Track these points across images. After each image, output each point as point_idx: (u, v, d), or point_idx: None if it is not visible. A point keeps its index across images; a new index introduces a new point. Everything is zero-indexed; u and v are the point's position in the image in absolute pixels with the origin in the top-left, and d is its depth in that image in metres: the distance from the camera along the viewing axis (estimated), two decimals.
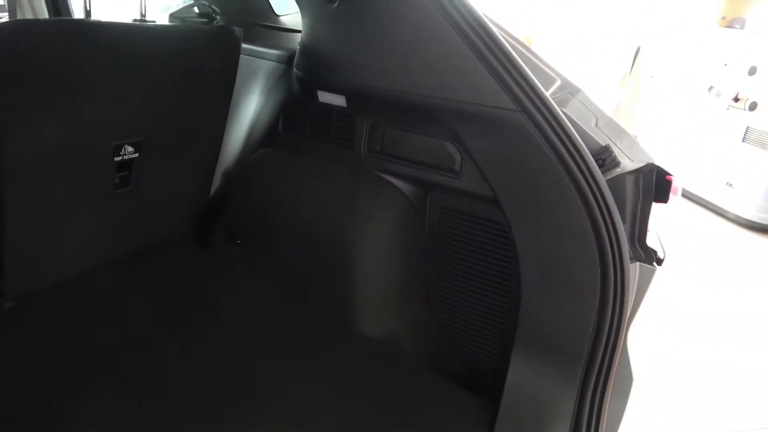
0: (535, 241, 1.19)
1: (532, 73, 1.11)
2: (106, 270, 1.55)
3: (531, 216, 1.19)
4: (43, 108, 1.27)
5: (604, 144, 1.14)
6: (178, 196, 1.74)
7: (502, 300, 1.34)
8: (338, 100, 1.47)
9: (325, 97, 1.49)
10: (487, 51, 1.10)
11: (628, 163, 1.15)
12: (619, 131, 1.25)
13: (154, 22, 1.53)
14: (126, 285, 1.53)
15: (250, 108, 1.76)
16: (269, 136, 1.68)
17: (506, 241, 1.30)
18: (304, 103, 1.56)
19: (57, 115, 1.30)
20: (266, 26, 2.04)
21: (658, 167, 1.12)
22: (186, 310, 1.47)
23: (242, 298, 1.56)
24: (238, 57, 1.67)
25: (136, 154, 1.52)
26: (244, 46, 1.72)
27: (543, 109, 1.08)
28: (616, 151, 1.15)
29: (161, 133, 1.56)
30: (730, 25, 4.86)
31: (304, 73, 1.49)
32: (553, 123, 1.08)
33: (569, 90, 1.23)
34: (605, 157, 1.12)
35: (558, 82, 1.23)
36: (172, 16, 1.72)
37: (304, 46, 1.52)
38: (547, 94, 1.11)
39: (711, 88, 4.50)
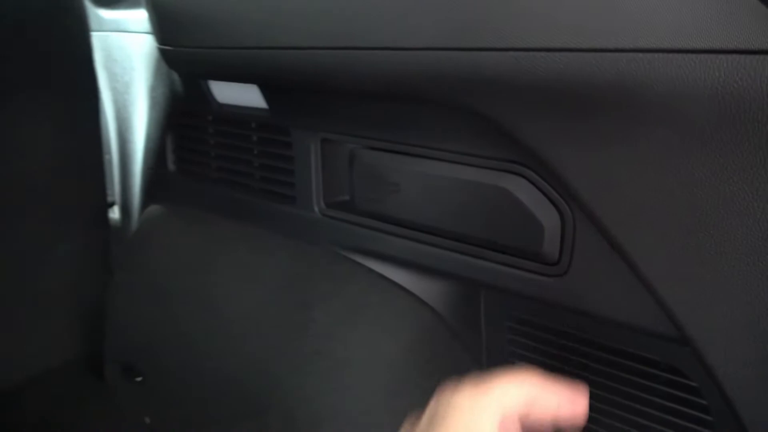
0: None
1: None
2: None
3: None
4: None
5: None
6: (33, 296, 0.97)
7: None
8: (251, 96, 0.64)
9: (226, 91, 0.67)
10: None
11: None
12: None
13: None
14: None
15: (138, 127, 0.96)
16: (161, 180, 0.88)
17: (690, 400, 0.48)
18: (199, 113, 0.75)
19: None
20: None
21: None
22: None
23: None
24: (86, 34, 0.87)
25: None
26: (100, 15, 0.93)
27: None
28: None
29: None
30: None
31: (167, 46, 0.66)
32: None
33: None
34: None
35: None
36: None
37: None
38: None
39: None
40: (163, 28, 0.64)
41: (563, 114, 0.39)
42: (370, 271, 0.62)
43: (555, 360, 0.60)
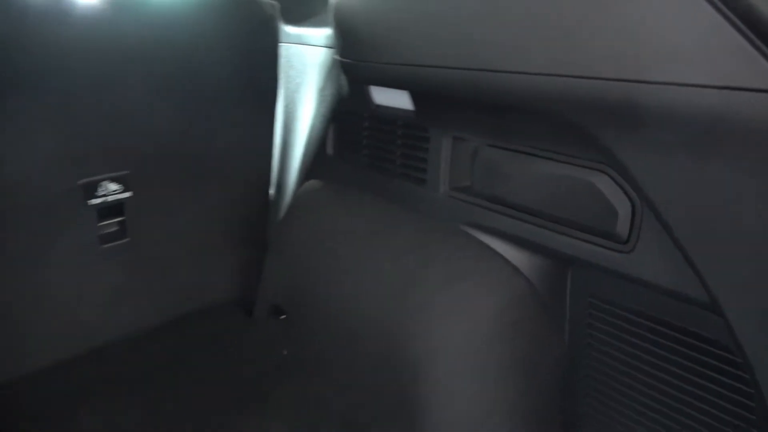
0: None
1: None
2: (111, 348, 1.11)
3: None
4: None
5: None
6: (210, 246, 1.25)
7: None
8: (401, 100, 0.84)
9: (382, 95, 0.88)
10: None
11: None
12: None
13: None
14: (121, 372, 1.07)
15: (302, 119, 1.21)
16: (319, 162, 1.11)
17: (735, 374, 0.60)
18: (357, 110, 0.96)
19: None
20: None
21: None
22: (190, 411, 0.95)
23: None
24: (276, 45, 1.13)
25: (127, 194, 1.05)
26: (287, 30, 1.18)
27: None
28: None
29: (166, 160, 1.08)
30: None
31: (346, 59, 0.89)
32: None
33: None
34: None
35: None
36: None
37: (346, 11, 0.91)
38: None
39: None
40: (345, 45, 0.86)
41: (636, 130, 0.53)
42: (480, 242, 0.79)
43: (627, 334, 0.73)
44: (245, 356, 1.18)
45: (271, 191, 1.38)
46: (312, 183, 1.09)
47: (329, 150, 1.04)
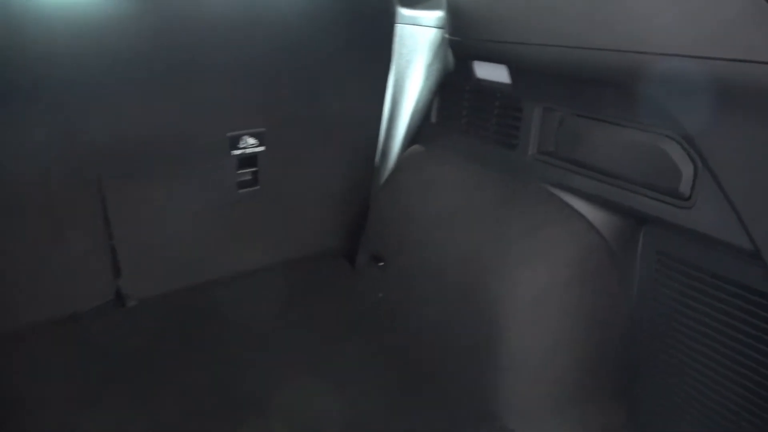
0: None
1: None
2: (233, 280, 1.34)
3: None
4: (129, 90, 1.07)
5: None
6: (321, 202, 1.44)
7: None
8: (499, 74, 0.97)
9: (483, 70, 1.00)
10: None
11: None
12: None
13: None
14: (243, 301, 1.29)
15: (409, 92, 1.36)
16: (424, 129, 1.25)
17: None
18: (460, 83, 1.10)
19: (154, 96, 1.10)
20: None
21: None
22: (297, 335, 1.15)
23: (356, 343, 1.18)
24: (392, 26, 1.28)
25: (261, 148, 1.25)
26: (402, 12, 1.33)
27: None
28: None
29: (292, 123, 1.27)
30: None
31: (455, 37, 1.02)
32: None
33: None
34: None
35: None
36: None
37: None
38: None
39: None
40: (454, 25, 1.00)
41: (701, 105, 0.63)
42: (560, 200, 0.91)
43: (690, 289, 0.82)
44: (347, 297, 1.36)
45: (377, 156, 1.55)
46: (415, 147, 1.24)
47: (433, 118, 1.19)
